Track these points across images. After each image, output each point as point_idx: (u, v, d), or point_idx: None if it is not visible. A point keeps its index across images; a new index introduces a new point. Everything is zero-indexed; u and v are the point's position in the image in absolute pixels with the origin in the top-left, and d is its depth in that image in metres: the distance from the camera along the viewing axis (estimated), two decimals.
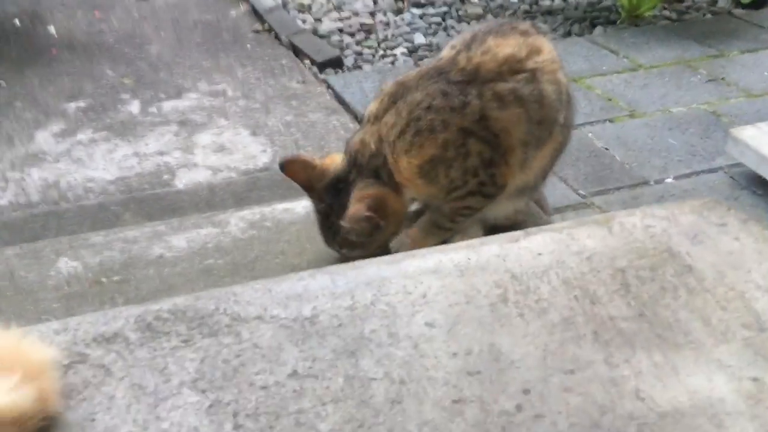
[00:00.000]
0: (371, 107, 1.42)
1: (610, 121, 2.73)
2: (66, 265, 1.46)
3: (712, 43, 3.40)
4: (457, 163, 1.33)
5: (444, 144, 1.32)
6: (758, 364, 0.81)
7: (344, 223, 1.34)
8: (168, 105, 2.96)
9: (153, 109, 2.92)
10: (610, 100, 2.89)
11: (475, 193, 1.37)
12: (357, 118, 2.85)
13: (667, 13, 3.87)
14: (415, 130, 1.32)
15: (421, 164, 1.33)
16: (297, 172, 1.47)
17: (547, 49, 1.42)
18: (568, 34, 3.68)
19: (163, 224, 1.60)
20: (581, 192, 2.31)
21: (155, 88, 3.12)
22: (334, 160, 1.45)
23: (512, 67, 1.36)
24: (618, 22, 3.76)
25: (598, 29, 3.68)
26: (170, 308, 0.91)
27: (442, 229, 1.46)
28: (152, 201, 2.26)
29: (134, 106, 2.95)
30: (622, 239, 1.01)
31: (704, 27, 3.60)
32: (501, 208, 1.48)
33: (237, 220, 1.61)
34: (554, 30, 3.72)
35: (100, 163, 2.52)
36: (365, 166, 1.38)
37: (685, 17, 3.82)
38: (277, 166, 2.48)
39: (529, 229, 1.04)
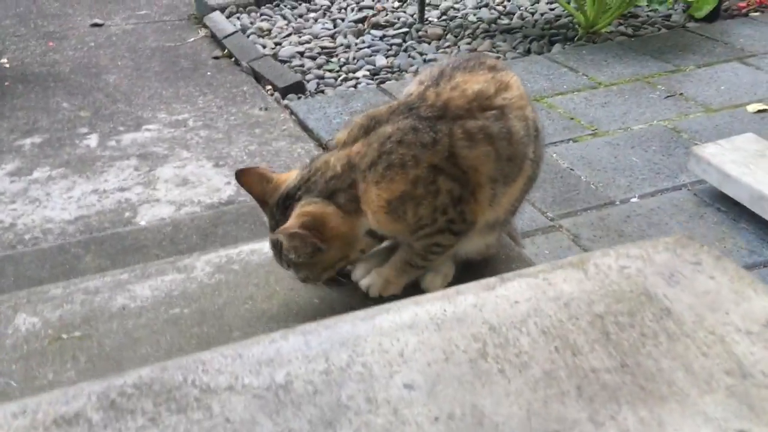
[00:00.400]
0: (340, 135, 1.39)
1: (574, 140, 2.75)
2: (24, 321, 1.39)
3: (668, 58, 3.46)
4: (427, 201, 1.31)
5: (414, 181, 1.29)
6: (743, 414, 0.80)
7: (273, 236, 1.31)
8: (127, 138, 2.90)
9: (112, 143, 2.86)
10: (572, 119, 2.91)
11: (444, 230, 1.35)
12: (321, 144, 2.82)
13: (623, 28, 3.94)
14: (386, 163, 1.30)
15: (390, 199, 1.29)
16: (252, 184, 1.41)
17: (516, 85, 1.41)
18: (527, 52, 3.72)
19: (126, 272, 1.55)
20: (549, 215, 2.31)
21: (114, 120, 3.06)
22: (290, 176, 1.41)
23: (481, 104, 1.34)
24: (576, 38, 3.81)
25: (557, 47, 3.72)
26: (135, 382, 0.86)
27: (415, 267, 1.43)
28: (114, 241, 2.19)
29: (92, 140, 2.88)
30: (598, 282, 1.00)
31: (660, 42, 3.66)
32: (472, 244, 1.46)
33: (203, 264, 1.56)
34: (514, 48, 3.75)
35: (58, 202, 2.45)
36: (319, 185, 1.34)
37: (640, 32, 3.89)
38: (242, 199, 2.45)
39: (505, 275, 1.02)
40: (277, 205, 1.37)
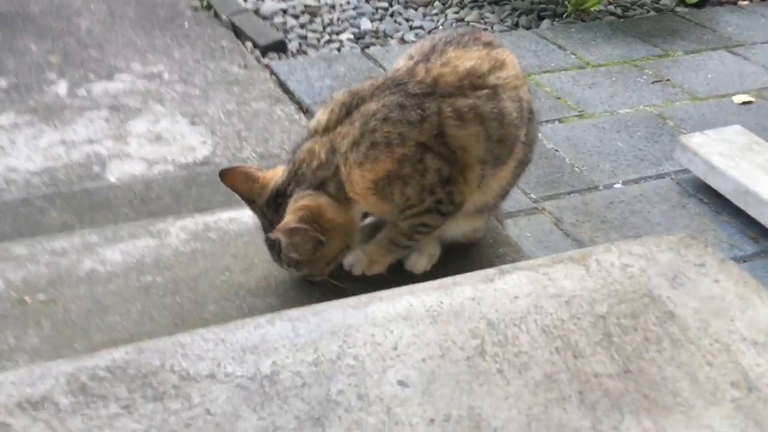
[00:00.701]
0: (320, 116, 1.32)
1: (560, 121, 2.70)
2: None
3: (656, 42, 3.41)
4: (414, 180, 1.25)
5: (401, 159, 1.24)
6: (750, 430, 0.77)
7: (272, 235, 1.24)
8: (98, 87, 2.76)
9: (82, 92, 2.72)
10: (558, 98, 2.86)
11: (431, 210, 1.30)
12: (302, 108, 2.73)
13: (612, 8, 3.88)
14: (370, 142, 1.23)
15: (376, 180, 1.24)
16: (237, 184, 1.36)
17: (512, 64, 1.35)
18: (516, 25, 3.64)
19: (95, 233, 1.47)
20: (532, 196, 2.27)
21: (84, 67, 2.91)
22: (277, 173, 1.35)
23: (473, 82, 1.28)
24: (564, 15, 3.74)
25: (546, 23, 3.65)
26: (108, 364, 0.80)
27: (400, 246, 1.38)
28: (81, 196, 2.09)
29: (61, 87, 2.74)
30: (600, 280, 0.96)
31: (649, 25, 3.62)
32: (459, 227, 1.42)
33: (178, 230, 1.49)
34: (502, 21, 3.67)
35: (23, 151, 2.33)
36: (308, 177, 1.28)
37: (629, 13, 3.83)
38: (218, 160, 2.36)
39: (504, 267, 0.97)
40: (267, 204, 1.30)
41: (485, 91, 1.27)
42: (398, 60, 1.38)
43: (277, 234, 1.23)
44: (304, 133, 2.53)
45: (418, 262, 1.44)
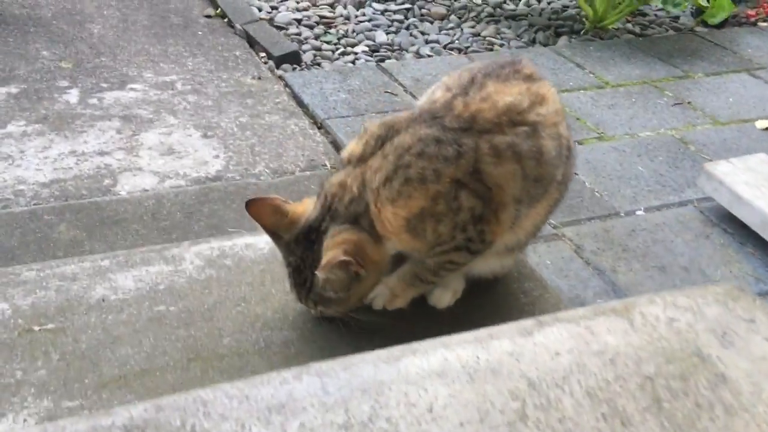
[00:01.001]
0: (352, 148, 1.27)
1: (580, 143, 2.65)
2: None
3: (676, 62, 3.36)
4: (448, 218, 1.20)
5: (435, 196, 1.18)
6: None
7: (320, 273, 1.17)
8: (110, 96, 2.72)
9: (94, 100, 2.68)
10: (578, 119, 2.81)
11: (461, 248, 1.25)
12: (316, 123, 2.69)
13: (630, 26, 3.83)
14: (404, 177, 1.18)
15: (409, 217, 1.18)
16: (264, 217, 1.28)
17: (552, 99, 1.30)
18: (532, 42, 3.60)
19: (107, 258, 1.41)
20: (552, 222, 2.21)
21: (96, 75, 2.87)
22: (307, 208, 1.29)
23: (512, 119, 1.23)
24: (582, 32, 3.69)
25: (563, 39, 3.61)
26: (125, 423, 0.74)
27: (425, 282, 1.33)
28: (91, 210, 2.05)
29: (73, 96, 2.70)
30: (645, 336, 0.90)
31: (668, 45, 3.57)
32: (488, 265, 1.36)
33: (192, 256, 1.44)
34: (518, 37, 3.62)
35: (33, 162, 2.28)
36: (342, 212, 1.23)
37: (648, 32, 3.79)
38: (231, 175, 2.31)
39: (542, 318, 0.92)
40: (296, 239, 1.24)
41: (524, 128, 1.21)
42: (434, 90, 1.32)
43: (322, 272, 1.17)
44: (318, 149, 2.50)
45: (442, 297, 1.38)
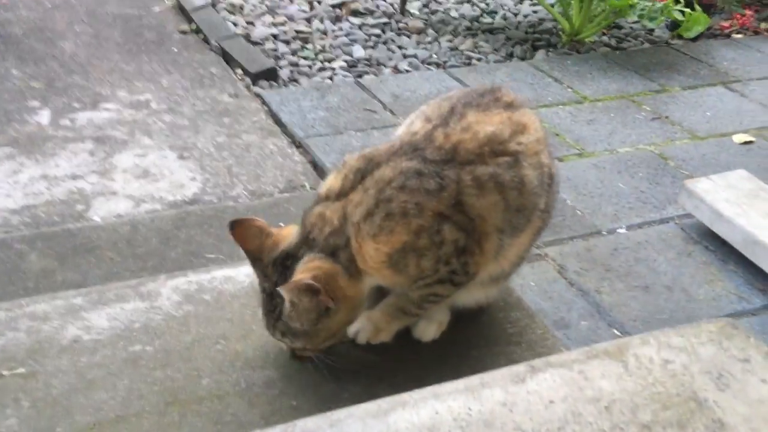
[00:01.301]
0: (332, 182, 1.23)
1: (560, 160, 2.63)
2: None
3: (653, 76, 3.38)
4: (431, 252, 1.17)
5: (418, 230, 1.15)
6: None
7: (283, 291, 1.12)
8: (83, 117, 2.66)
9: (66, 121, 2.61)
10: (557, 135, 2.80)
11: (444, 281, 1.22)
12: (295, 141, 2.65)
13: (606, 39, 3.85)
14: (385, 212, 1.15)
15: (391, 252, 1.15)
16: (248, 238, 1.25)
17: (533, 127, 1.27)
18: (510, 55, 3.59)
19: (80, 295, 1.36)
20: None
21: (68, 94, 2.81)
22: (290, 233, 1.26)
23: (494, 149, 1.20)
24: (559, 45, 3.70)
25: (540, 53, 3.61)
26: None
27: (409, 314, 1.29)
28: (63, 238, 1.99)
29: (44, 117, 2.63)
30: (640, 380, 0.88)
31: (644, 58, 3.58)
32: (472, 296, 1.34)
33: (169, 292, 1.39)
34: (496, 51, 3.62)
35: (2, 188, 2.21)
36: (320, 242, 1.19)
37: (623, 45, 3.80)
38: (208, 198, 2.26)
39: (535, 363, 0.89)
40: (274, 263, 1.21)
41: (506, 158, 1.19)
42: (414, 121, 1.29)
43: (285, 290, 1.12)
44: (297, 169, 2.46)
45: (427, 330, 1.35)
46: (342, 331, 1.24)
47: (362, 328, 1.30)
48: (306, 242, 1.20)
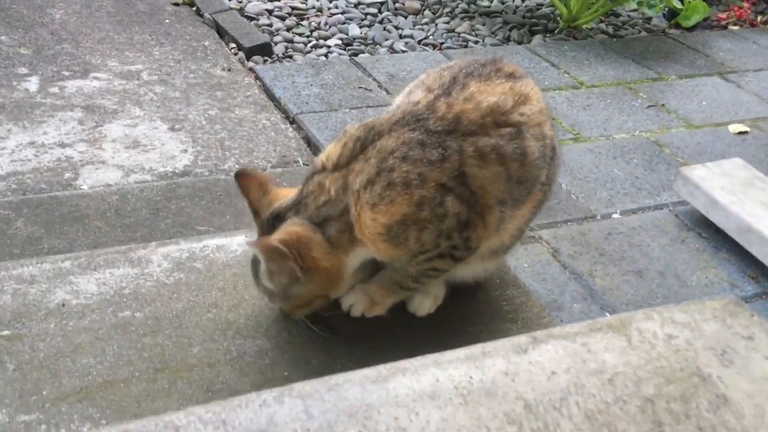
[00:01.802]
0: (330, 151, 1.21)
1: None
2: None
3: (650, 64, 3.36)
4: (432, 225, 1.14)
5: (420, 202, 1.13)
6: None
7: (250, 245, 1.15)
8: (72, 85, 2.61)
9: (54, 89, 2.56)
10: (554, 119, 2.76)
11: (444, 256, 1.20)
12: (288, 117, 2.61)
13: (603, 26, 3.83)
14: (386, 181, 1.12)
15: (390, 224, 1.12)
16: (251, 189, 1.24)
17: (536, 98, 1.25)
18: (507, 39, 3.56)
19: (69, 259, 1.33)
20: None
21: (58, 62, 2.75)
22: (287, 195, 1.23)
23: (496, 120, 1.18)
24: (556, 31, 3.67)
25: (537, 38, 3.58)
26: None
27: (405, 289, 1.27)
28: (51, 205, 1.95)
29: (32, 84, 2.58)
30: (644, 354, 0.86)
31: (641, 46, 3.57)
32: (471, 269, 1.31)
33: (160, 259, 1.36)
34: (493, 34, 3.59)
35: None
36: (310, 210, 1.17)
37: (620, 33, 3.78)
38: (199, 170, 2.23)
39: (537, 335, 0.87)
40: (267, 221, 1.20)
41: (508, 129, 1.17)
42: (414, 90, 1.27)
43: (254, 247, 1.14)
44: (290, 145, 2.43)
45: (423, 305, 1.33)
46: (318, 301, 1.22)
47: (357, 300, 1.28)
48: (296, 207, 1.18)
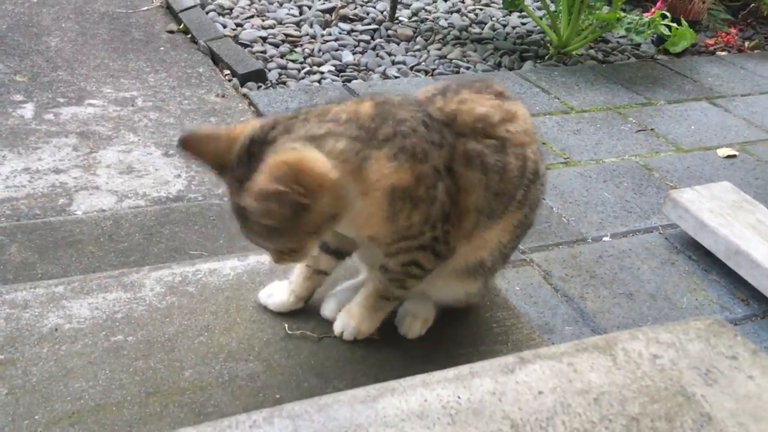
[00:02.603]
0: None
1: (547, 168, 2.64)
2: None
3: (639, 89, 3.41)
4: (424, 206, 1.15)
5: (419, 177, 1.13)
6: None
7: (245, 203, 0.99)
8: (67, 111, 2.63)
9: (50, 116, 2.58)
10: (545, 144, 2.81)
11: (426, 248, 1.20)
12: None
13: (593, 52, 3.89)
14: (401, 145, 1.12)
15: (393, 189, 1.11)
16: (200, 150, 1.09)
17: (522, 119, 1.27)
18: (498, 65, 3.61)
19: (62, 284, 1.34)
20: (520, 246, 2.19)
21: (53, 89, 2.78)
22: (252, 126, 1.09)
23: (485, 129, 1.21)
24: (546, 57, 3.73)
25: (528, 64, 3.63)
26: None
27: (390, 300, 1.28)
28: (44, 231, 1.96)
29: (27, 110, 2.60)
30: (629, 374, 0.87)
31: (630, 72, 3.62)
32: (450, 289, 1.32)
33: (153, 283, 1.37)
34: (484, 60, 3.64)
35: None
36: (308, 126, 1.06)
37: (610, 59, 3.84)
38: (193, 195, 2.24)
39: (524, 355, 0.88)
40: (239, 158, 1.04)
41: (493, 142, 1.19)
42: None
43: (247, 200, 0.98)
44: None
45: (412, 327, 1.34)
46: (330, 224, 1.08)
47: (345, 326, 1.29)
48: (283, 124, 1.06)
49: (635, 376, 0.87)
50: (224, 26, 3.61)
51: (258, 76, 3.14)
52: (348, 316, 1.29)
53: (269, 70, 3.22)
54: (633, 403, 0.83)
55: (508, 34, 3.99)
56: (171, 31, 3.51)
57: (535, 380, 0.85)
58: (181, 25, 3.57)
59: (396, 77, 3.33)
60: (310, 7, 3.96)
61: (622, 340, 0.93)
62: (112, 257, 1.89)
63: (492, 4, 4.41)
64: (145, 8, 3.73)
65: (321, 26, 3.76)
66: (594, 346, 0.92)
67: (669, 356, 0.91)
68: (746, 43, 4.19)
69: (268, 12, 3.86)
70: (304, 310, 1.35)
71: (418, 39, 3.79)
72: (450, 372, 0.86)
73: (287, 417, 0.77)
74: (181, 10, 3.68)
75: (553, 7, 3.80)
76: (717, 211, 2.20)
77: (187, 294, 1.36)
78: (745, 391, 0.87)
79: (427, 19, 4.07)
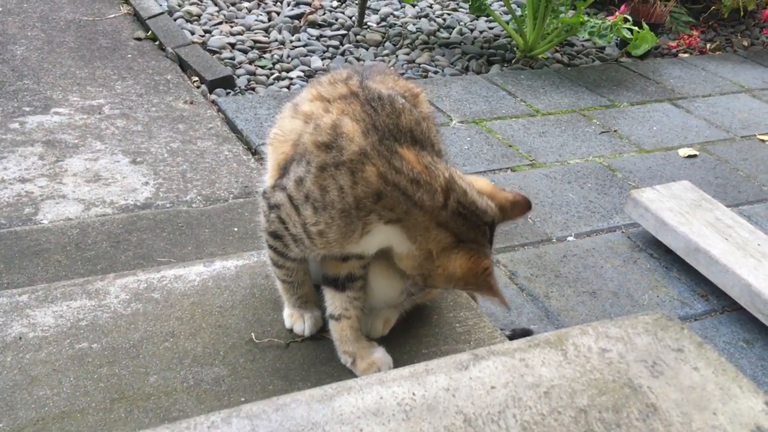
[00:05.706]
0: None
1: (512, 170, 2.69)
2: None
3: (603, 92, 3.47)
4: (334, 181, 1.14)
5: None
6: None
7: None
8: (33, 120, 2.61)
9: (15, 125, 2.57)
10: (510, 146, 2.86)
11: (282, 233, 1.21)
12: (251, 148, 2.65)
13: (558, 56, 3.95)
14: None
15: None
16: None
17: (424, 104, 1.34)
18: (466, 69, 3.66)
19: (26, 293, 1.34)
20: None
21: (18, 98, 2.76)
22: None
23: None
24: (513, 61, 3.78)
25: (495, 67, 3.68)
26: None
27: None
28: (10, 240, 1.95)
29: None
30: (579, 368, 0.90)
31: (595, 74, 3.68)
32: (382, 290, 1.32)
33: (118, 290, 1.38)
34: (452, 64, 3.68)
35: None
36: None
37: (575, 62, 3.91)
38: (161, 203, 2.24)
39: (478, 352, 0.91)
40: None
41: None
42: (301, 104, 1.30)
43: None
44: (252, 175, 2.46)
45: (374, 327, 1.37)
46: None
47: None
48: None
49: (584, 369, 0.91)
50: (192, 33, 3.61)
51: (226, 83, 3.14)
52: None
53: (238, 77, 3.23)
54: (582, 396, 0.87)
55: (475, 38, 4.04)
56: (139, 39, 3.50)
57: (488, 376, 0.87)
58: (149, 33, 3.56)
59: None
60: (278, 14, 3.97)
61: (572, 335, 0.96)
62: (79, 266, 1.89)
63: (459, 9, 4.46)
64: (112, 16, 3.72)
65: (290, 32, 3.77)
66: (546, 341, 0.95)
67: (617, 350, 0.94)
68: (708, 45, 4.28)
69: (237, 18, 3.87)
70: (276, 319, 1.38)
71: (387, 44, 3.82)
72: (405, 370, 0.89)
73: (245, 417, 0.78)
74: (149, 17, 3.67)
75: (519, 12, 3.86)
76: (677, 209, 2.26)
77: (152, 300, 1.37)
78: (690, 382, 0.91)
79: (395, 24, 4.11)
